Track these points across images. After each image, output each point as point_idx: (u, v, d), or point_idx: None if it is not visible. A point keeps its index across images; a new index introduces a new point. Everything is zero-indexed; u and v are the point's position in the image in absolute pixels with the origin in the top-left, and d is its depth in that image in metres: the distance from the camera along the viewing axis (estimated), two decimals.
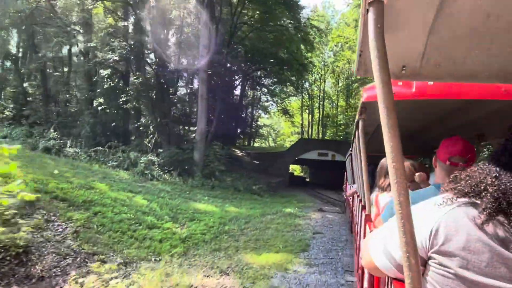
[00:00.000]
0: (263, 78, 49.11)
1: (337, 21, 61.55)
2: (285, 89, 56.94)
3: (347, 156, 10.12)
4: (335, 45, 57.20)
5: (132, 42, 18.51)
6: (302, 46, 29.91)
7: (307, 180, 61.63)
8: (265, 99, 55.84)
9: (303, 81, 43.54)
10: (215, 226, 10.72)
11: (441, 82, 2.07)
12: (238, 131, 41.89)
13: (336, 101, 62.79)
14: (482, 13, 0.92)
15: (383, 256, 1.01)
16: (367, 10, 0.83)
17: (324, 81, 62.71)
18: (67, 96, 27.34)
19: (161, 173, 18.13)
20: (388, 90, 0.79)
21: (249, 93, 57.75)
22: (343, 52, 60.22)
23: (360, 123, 2.94)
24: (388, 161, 0.79)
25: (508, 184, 0.85)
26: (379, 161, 2.89)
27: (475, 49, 1.11)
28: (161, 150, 19.32)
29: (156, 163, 18.32)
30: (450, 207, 0.91)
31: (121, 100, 20.29)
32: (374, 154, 4.11)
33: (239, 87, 44.69)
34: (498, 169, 0.91)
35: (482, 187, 0.90)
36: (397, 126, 0.78)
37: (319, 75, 61.81)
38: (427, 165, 3.80)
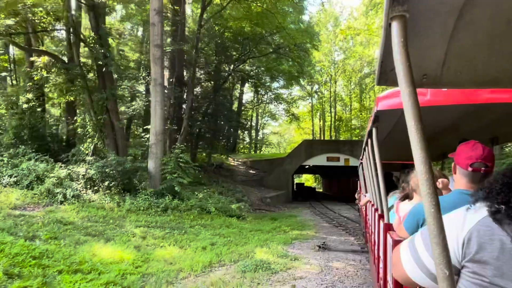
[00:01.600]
0: (267, 79, 43.39)
1: (346, 18, 55.69)
2: (292, 92, 51.26)
3: (359, 164, 9.10)
4: (344, 38, 51.00)
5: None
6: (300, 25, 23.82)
7: (319, 191, 54.90)
8: (269, 101, 49.97)
9: (307, 75, 37.24)
10: None
11: (462, 89, 2.06)
12: (229, 138, 35.81)
13: (349, 103, 56.46)
14: (502, 19, 0.91)
15: (417, 267, 0.98)
16: (389, 24, 0.81)
17: (335, 82, 56.59)
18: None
19: (89, 190, 12.14)
20: (415, 102, 0.78)
21: (254, 98, 52.06)
22: (354, 48, 54.04)
23: (374, 131, 2.92)
24: (419, 173, 0.77)
25: None
26: (390, 168, 3.35)
27: (496, 55, 1.11)
28: (90, 158, 13.37)
29: (81, 177, 12.33)
30: (482, 215, 0.89)
31: (48, 92, 14.55)
32: (384, 162, 3.86)
33: (236, 88, 38.85)
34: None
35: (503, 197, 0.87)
36: (425, 138, 0.77)
37: (329, 76, 55.83)
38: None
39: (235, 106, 40.69)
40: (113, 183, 13.17)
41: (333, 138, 49.16)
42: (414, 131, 0.77)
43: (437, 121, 3.13)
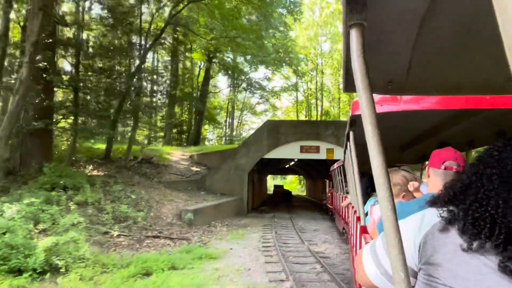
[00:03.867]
0: (241, 61, 35.13)
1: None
2: (275, 86, 43.34)
3: (336, 166, 8.73)
4: (332, 14, 42.99)
5: None
6: None
7: (302, 195, 46.43)
8: (245, 89, 41.50)
9: (284, 49, 29.12)
10: None
11: (426, 95, 2.13)
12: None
13: (338, 96, 48.29)
14: (463, 28, 0.93)
15: (378, 272, 0.97)
16: (348, 32, 0.80)
17: (322, 72, 48.66)
18: None
19: None
20: (371, 109, 0.78)
21: (229, 87, 43.65)
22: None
23: (351, 134, 2.92)
24: (375, 177, 0.77)
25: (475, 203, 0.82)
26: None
27: (458, 63, 1.13)
28: None
29: None
30: (438, 219, 0.87)
31: None
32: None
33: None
34: (461, 185, 0.89)
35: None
36: (381, 143, 0.77)
37: (315, 65, 47.90)
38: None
39: (197, 87, 32.27)
40: None
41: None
42: (371, 136, 0.77)
43: (417, 125, 3.11)
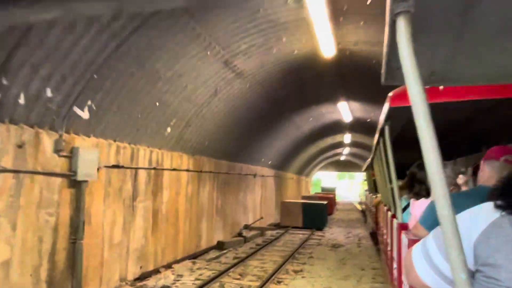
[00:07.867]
0: None
1: None
2: None
3: (366, 166, 8.08)
4: None
5: None
6: None
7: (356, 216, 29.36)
8: None
9: None
10: None
11: (472, 85, 2.03)
12: None
13: None
14: (510, 12, 0.88)
15: (431, 272, 0.92)
16: (394, 21, 0.78)
17: None
18: None
19: None
20: (423, 100, 0.75)
21: None
22: None
23: (387, 129, 2.86)
24: (430, 173, 0.74)
25: None
26: (400, 167, 3.07)
27: (505, 49, 1.06)
28: None
29: None
30: (496, 215, 0.83)
31: None
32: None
33: None
34: None
35: None
36: (436, 137, 0.74)
37: None
38: None
39: None
40: None
41: None
42: (424, 130, 0.74)
43: (442, 119, 2.73)
